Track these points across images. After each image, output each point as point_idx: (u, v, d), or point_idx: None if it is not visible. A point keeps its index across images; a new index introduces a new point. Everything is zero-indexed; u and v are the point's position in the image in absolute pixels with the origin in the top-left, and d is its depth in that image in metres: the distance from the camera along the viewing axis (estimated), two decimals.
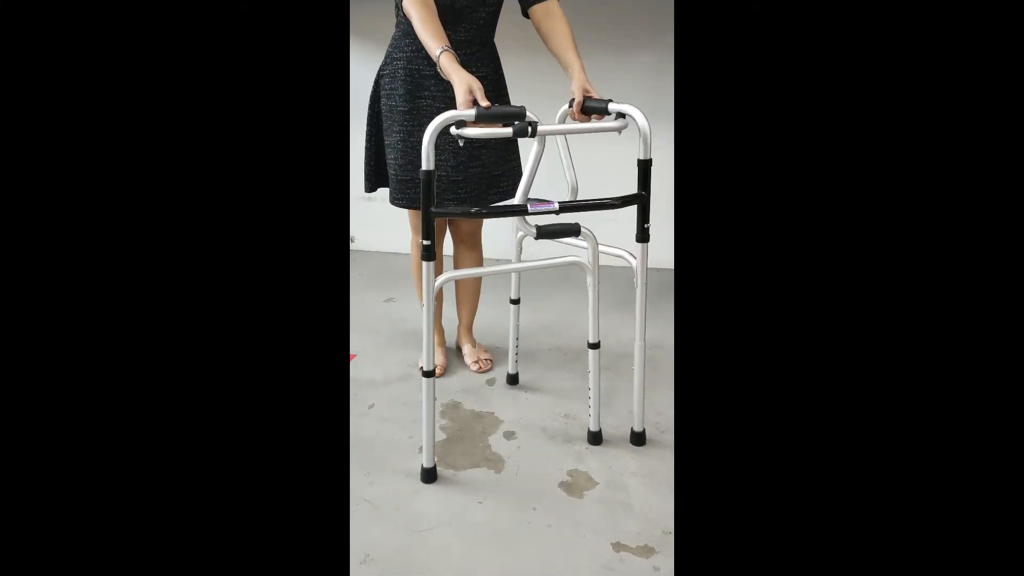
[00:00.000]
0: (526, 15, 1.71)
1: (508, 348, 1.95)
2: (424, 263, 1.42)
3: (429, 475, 1.51)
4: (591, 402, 1.63)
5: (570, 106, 1.58)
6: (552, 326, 2.32)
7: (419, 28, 1.52)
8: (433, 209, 1.38)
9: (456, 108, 1.39)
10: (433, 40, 1.48)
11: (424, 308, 1.45)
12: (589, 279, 1.56)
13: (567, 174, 1.72)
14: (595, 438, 1.65)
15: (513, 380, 1.95)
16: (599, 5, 2.69)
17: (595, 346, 1.59)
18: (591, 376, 1.61)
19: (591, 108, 1.55)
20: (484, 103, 1.37)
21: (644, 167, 1.48)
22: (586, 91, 1.55)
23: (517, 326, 1.93)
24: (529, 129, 1.36)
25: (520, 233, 1.74)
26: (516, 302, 1.93)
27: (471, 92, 1.39)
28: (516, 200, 1.44)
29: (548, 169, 2.28)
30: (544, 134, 1.39)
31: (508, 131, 1.38)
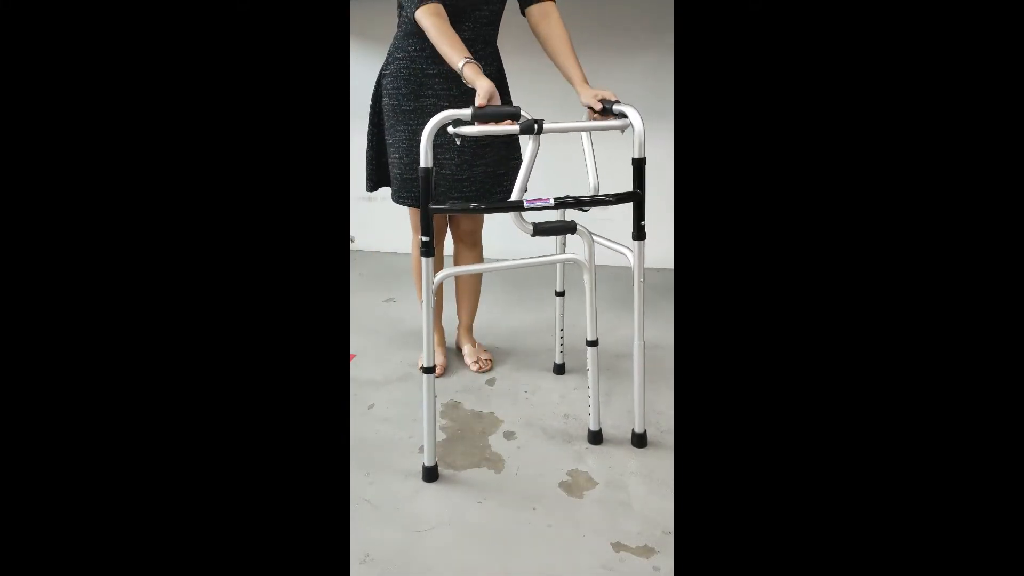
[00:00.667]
0: (524, 13, 1.72)
1: (555, 339, 2.01)
2: (423, 259, 1.43)
3: (430, 474, 1.51)
4: (591, 401, 1.63)
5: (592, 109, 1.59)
6: (552, 325, 2.32)
7: (436, 38, 1.53)
8: (431, 206, 1.39)
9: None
10: (453, 51, 1.50)
11: (424, 304, 1.46)
12: (586, 276, 1.57)
13: (589, 173, 1.72)
14: (595, 437, 1.65)
15: (560, 370, 2.00)
16: (599, 5, 2.70)
17: (593, 344, 1.59)
18: (590, 374, 1.61)
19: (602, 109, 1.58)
20: (492, 98, 1.39)
21: (639, 165, 1.49)
22: (603, 99, 1.56)
23: (563, 316, 1.98)
24: (535, 127, 1.37)
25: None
26: (561, 294, 1.97)
27: (485, 98, 1.41)
28: (512, 198, 1.45)
29: (544, 168, 2.28)
30: (550, 132, 1.41)
31: (511, 129, 1.39)
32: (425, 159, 1.36)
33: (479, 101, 1.41)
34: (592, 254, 1.56)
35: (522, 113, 1.40)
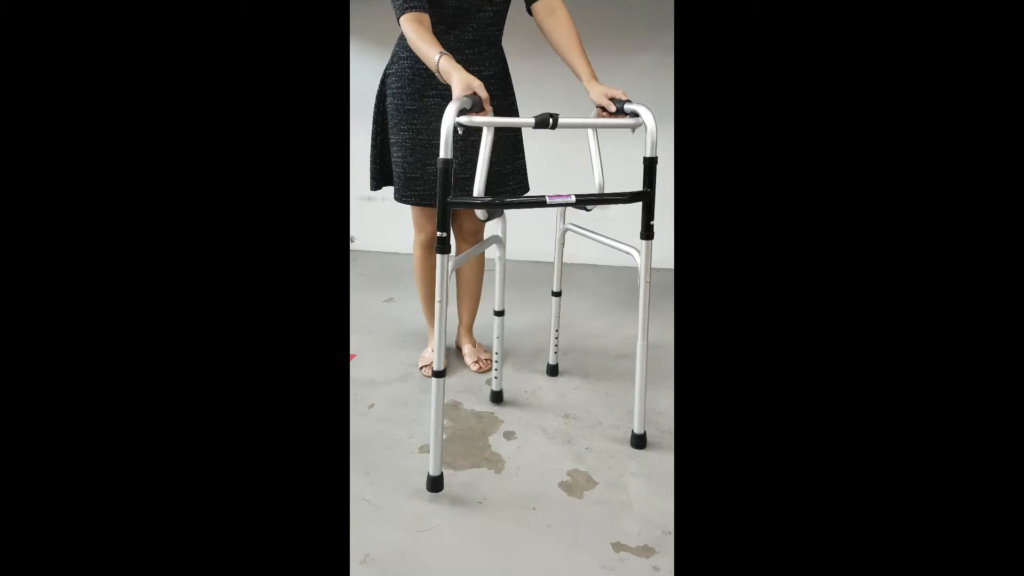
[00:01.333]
0: (530, 11, 1.71)
1: (549, 340, 2.03)
2: (439, 256, 1.39)
3: (435, 484, 1.46)
4: (496, 366, 1.80)
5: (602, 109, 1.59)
6: (550, 326, 2.32)
7: (414, 41, 1.53)
8: (450, 200, 1.36)
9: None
10: (429, 47, 1.48)
11: (437, 304, 1.42)
12: (499, 252, 1.73)
13: (595, 172, 1.72)
14: (496, 397, 1.83)
15: (553, 371, 2.02)
16: (601, 5, 2.70)
17: (500, 313, 1.78)
18: (496, 341, 1.79)
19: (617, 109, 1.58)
20: (485, 102, 1.38)
21: (650, 165, 1.49)
22: (613, 98, 1.55)
23: (558, 317, 2.00)
24: (550, 120, 1.38)
25: (562, 227, 1.88)
26: (557, 295, 1.98)
27: (468, 88, 1.38)
28: (475, 192, 1.48)
29: (543, 168, 2.28)
30: (564, 127, 1.42)
31: (525, 121, 1.41)
32: (445, 149, 1.31)
33: (456, 94, 1.38)
34: (505, 231, 1.73)
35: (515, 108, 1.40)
